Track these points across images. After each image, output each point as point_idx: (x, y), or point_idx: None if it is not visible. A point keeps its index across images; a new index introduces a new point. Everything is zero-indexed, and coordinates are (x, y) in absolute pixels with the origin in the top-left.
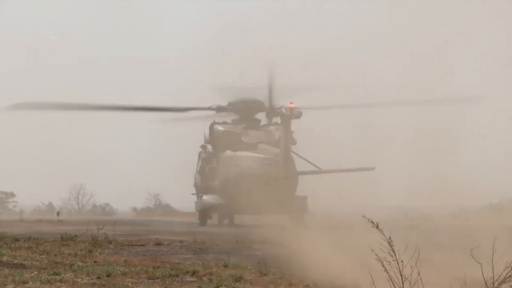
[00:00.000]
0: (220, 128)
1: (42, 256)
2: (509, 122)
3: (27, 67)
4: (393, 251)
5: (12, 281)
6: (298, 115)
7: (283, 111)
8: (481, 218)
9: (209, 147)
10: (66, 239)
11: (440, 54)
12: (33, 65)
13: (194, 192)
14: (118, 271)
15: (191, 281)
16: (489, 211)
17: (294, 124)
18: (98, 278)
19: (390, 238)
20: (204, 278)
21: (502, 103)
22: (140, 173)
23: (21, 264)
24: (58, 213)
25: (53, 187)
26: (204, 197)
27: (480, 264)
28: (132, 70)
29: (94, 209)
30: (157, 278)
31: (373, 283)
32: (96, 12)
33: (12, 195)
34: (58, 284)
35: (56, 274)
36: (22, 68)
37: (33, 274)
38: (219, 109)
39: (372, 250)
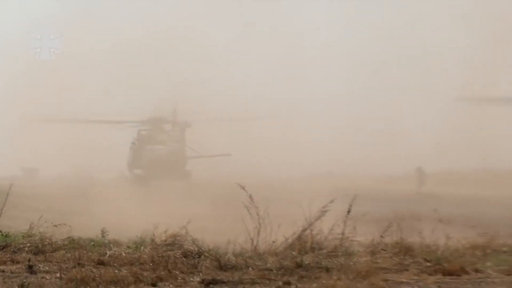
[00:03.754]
0: (143, 132)
1: None
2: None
3: None
4: (252, 201)
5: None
6: (189, 125)
7: (182, 123)
8: (315, 182)
9: (137, 142)
10: None
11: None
12: None
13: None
14: None
15: None
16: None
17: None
18: None
19: (251, 195)
20: None
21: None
22: None
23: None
24: None
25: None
26: (135, 171)
27: (302, 208)
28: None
29: None
30: None
31: (243, 220)
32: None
33: None
34: None
35: None
36: None
37: None
38: (142, 121)
39: (242, 202)
